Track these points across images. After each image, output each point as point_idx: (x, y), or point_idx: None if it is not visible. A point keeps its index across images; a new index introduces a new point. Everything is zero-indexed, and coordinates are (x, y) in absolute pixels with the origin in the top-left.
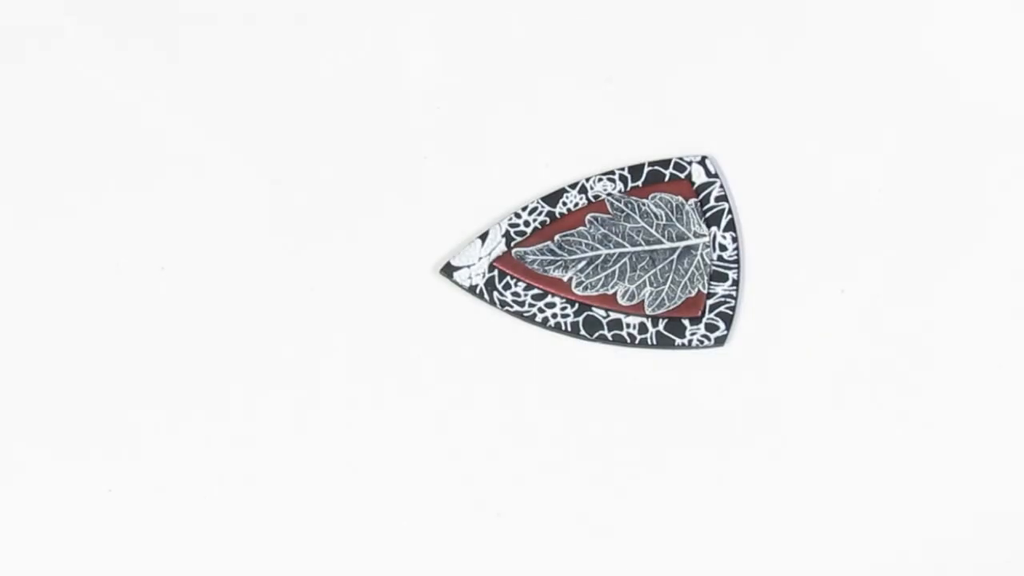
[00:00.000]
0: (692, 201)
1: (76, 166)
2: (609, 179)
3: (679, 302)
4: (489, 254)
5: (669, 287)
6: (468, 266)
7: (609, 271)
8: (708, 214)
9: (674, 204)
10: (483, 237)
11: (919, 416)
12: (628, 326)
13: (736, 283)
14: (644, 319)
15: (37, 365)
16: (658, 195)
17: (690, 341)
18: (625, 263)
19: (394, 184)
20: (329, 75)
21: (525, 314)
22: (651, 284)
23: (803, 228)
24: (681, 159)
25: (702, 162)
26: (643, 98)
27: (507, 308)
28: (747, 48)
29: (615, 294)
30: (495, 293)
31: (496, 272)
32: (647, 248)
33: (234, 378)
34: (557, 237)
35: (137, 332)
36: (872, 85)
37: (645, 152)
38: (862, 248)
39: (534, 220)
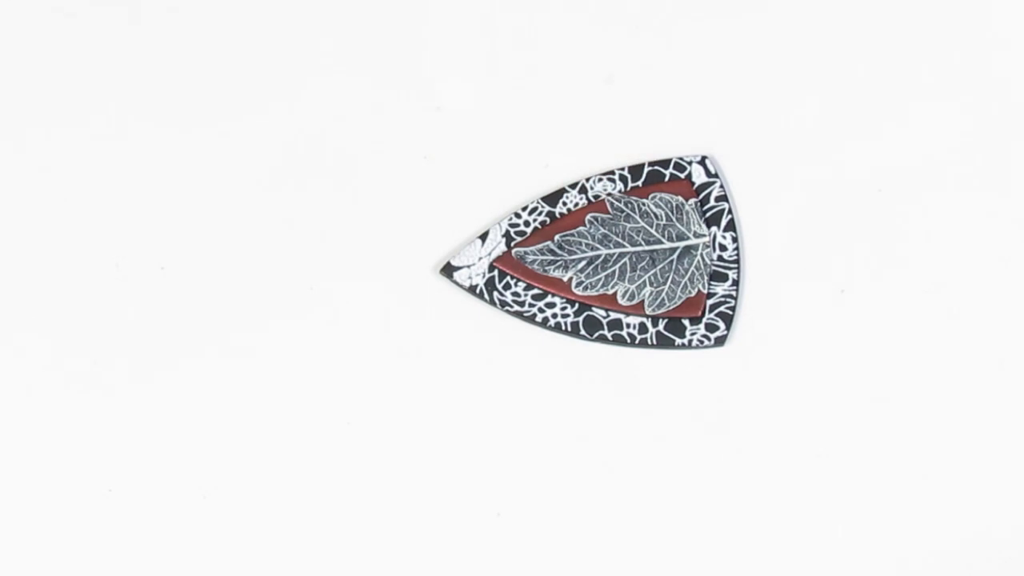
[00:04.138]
0: (692, 201)
1: (76, 166)
2: (609, 179)
3: (679, 302)
4: (489, 254)
5: (669, 287)
6: (468, 266)
7: (609, 271)
8: (708, 214)
9: (674, 204)
10: (483, 237)
11: (920, 416)
12: (628, 326)
13: (736, 283)
14: (644, 319)
15: (37, 365)
16: (658, 195)
17: (690, 341)
18: (625, 263)
19: (394, 184)
20: (329, 74)
21: (525, 314)
22: (651, 284)
23: (803, 228)
24: (681, 159)
25: (702, 162)
26: (643, 98)
27: (507, 308)
28: (747, 48)
29: (615, 294)
30: (495, 293)
31: (496, 272)
32: (647, 248)
33: (234, 378)
34: (557, 237)
35: (137, 332)
36: (872, 85)
37: (645, 152)
38: (862, 248)
39: (534, 220)
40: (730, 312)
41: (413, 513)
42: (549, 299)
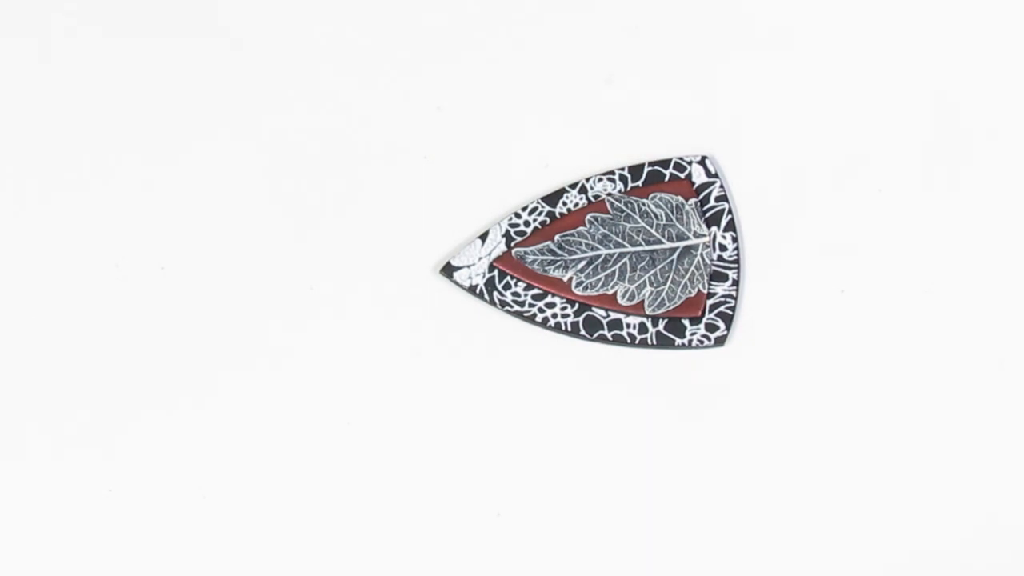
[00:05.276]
0: (692, 201)
1: (76, 165)
2: (609, 179)
3: (679, 302)
4: (489, 254)
5: (669, 287)
6: (468, 266)
7: (609, 271)
8: (708, 214)
9: (674, 204)
10: (483, 237)
11: (920, 416)
12: (628, 326)
13: (736, 283)
14: (644, 319)
15: (37, 365)
16: (658, 195)
17: (690, 341)
18: (625, 263)
19: (394, 184)
20: (329, 74)
21: (525, 314)
22: (651, 284)
23: (803, 228)
24: (681, 159)
25: (702, 162)
26: (643, 98)
27: (507, 308)
28: (747, 48)
29: (615, 294)
30: (495, 293)
31: (496, 272)
32: (647, 248)
33: (234, 378)
34: (557, 237)
35: (137, 332)
36: (872, 85)
37: (645, 152)
38: (862, 248)
39: (534, 220)
40: (730, 312)
41: (413, 513)
42: (549, 299)
